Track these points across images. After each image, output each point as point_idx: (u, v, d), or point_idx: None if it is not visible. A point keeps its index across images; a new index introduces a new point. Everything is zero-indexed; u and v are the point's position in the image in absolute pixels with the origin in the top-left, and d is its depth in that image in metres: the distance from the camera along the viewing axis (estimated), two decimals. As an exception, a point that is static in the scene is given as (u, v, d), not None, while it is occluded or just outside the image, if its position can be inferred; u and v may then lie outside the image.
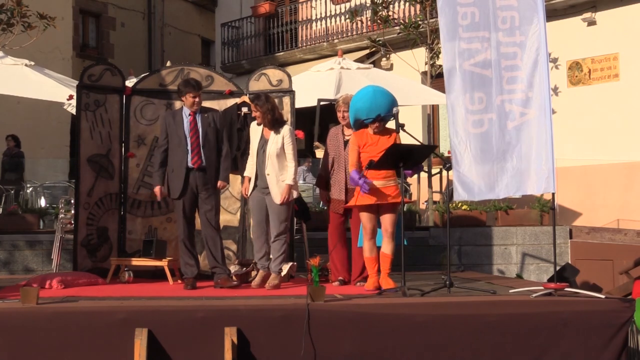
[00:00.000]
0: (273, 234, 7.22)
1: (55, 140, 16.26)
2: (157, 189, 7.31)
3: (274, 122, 7.21)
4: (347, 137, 7.40)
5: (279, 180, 7.14)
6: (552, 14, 13.27)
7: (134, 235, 8.17)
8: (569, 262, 10.50)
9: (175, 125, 7.25)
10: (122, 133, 8.24)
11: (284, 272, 7.27)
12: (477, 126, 6.84)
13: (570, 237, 10.97)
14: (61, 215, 9.33)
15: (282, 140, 7.16)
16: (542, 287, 6.48)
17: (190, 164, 7.18)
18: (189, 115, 7.28)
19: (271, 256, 7.28)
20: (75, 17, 20.09)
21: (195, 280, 7.25)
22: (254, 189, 7.29)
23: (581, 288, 7.91)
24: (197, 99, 7.25)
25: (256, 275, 7.43)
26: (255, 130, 7.35)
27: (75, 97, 8.26)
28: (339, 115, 7.50)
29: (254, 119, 7.31)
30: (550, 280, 8.06)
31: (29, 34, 12.52)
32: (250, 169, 7.34)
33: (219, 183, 7.29)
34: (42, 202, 12.66)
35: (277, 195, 7.12)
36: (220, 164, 7.31)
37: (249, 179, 7.31)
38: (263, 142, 7.23)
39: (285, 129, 7.23)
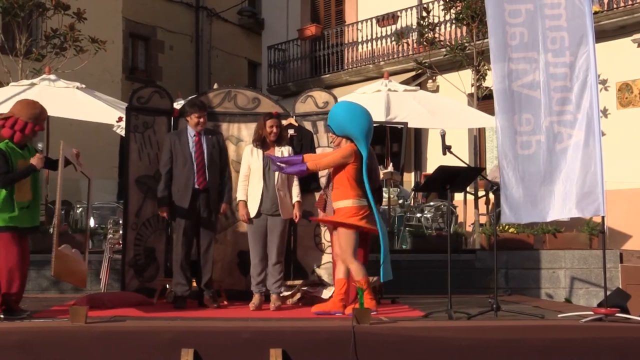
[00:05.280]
0: (274, 257, 7.15)
1: (104, 162, 16.49)
2: (164, 212, 7.40)
3: (283, 139, 7.37)
4: None
5: (287, 196, 7.19)
6: (602, 35, 13.12)
7: (180, 256, 8.20)
8: (620, 286, 10.29)
9: (180, 145, 7.41)
10: (170, 154, 8.31)
11: (327, 295, 7.28)
12: (525, 148, 6.77)
13: (621, 261, 10.76)
14: (109, 236, 9.45)
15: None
16: (591, 312, 6.37)
17: (196, 185, 7.31)
18: (194, 135, 7.43)
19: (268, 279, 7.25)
20: (125, 40, 20.47)
21: (184, 299, 7.33)
22: (258, 215, 7.20)
23: (633, 314, 7.74)
24: (201, 119, 7.40)
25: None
26: (251, 153, 7.31)
27: (124, 119, 8.40)
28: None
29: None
30: (601, 305, 7.89)
31: (80, 58, 12.79)
32: (242, 192, 7.28)
33: (223, 205, 7.40)
34: (91, 223, 12.84)
35: (286, 212, 7.14)
36: (224, 186, 7.43)
37: (245, 203, 7.25)
38: (267, 161, 7.17)
39: (289, 148, 7.37)
